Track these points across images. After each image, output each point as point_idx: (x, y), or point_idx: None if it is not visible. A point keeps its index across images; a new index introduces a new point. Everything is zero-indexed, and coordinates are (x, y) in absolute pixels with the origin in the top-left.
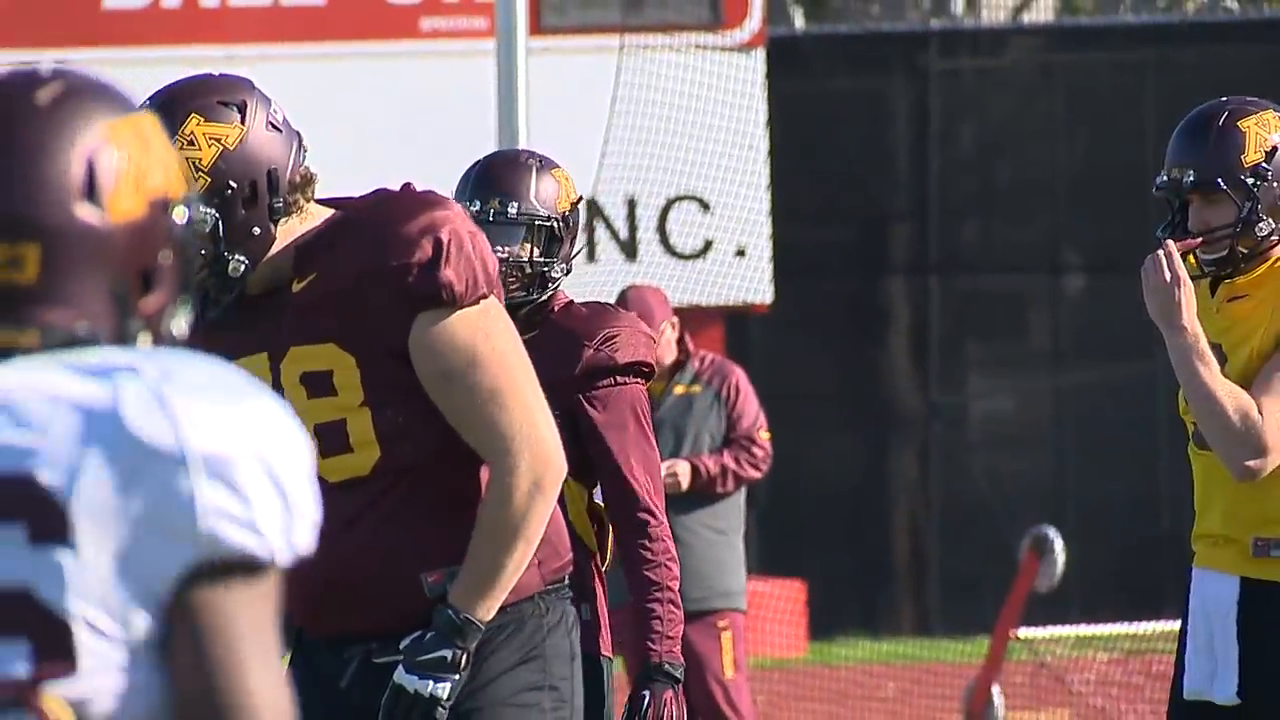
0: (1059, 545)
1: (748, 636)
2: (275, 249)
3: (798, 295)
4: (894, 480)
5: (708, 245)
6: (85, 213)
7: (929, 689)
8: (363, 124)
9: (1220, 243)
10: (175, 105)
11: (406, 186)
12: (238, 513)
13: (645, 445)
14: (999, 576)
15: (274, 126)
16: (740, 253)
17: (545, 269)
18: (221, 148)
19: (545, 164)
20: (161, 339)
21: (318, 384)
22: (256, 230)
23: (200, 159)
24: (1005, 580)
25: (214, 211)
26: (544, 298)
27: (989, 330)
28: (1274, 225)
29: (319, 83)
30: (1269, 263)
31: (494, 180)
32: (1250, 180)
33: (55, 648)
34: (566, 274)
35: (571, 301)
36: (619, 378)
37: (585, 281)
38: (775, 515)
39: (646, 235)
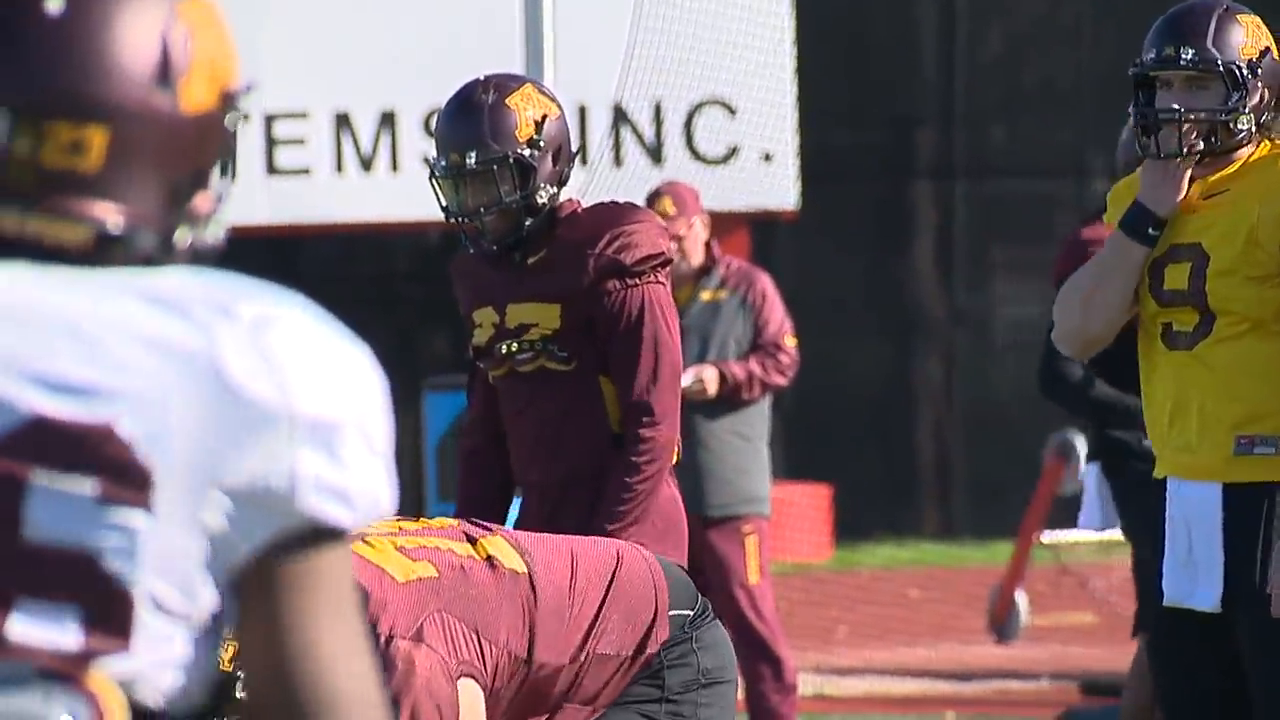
0: (1083, 450)
1: (772, 541)
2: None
3: (823, 200)
4: (919, 386)
5: (733, 150)
6: (159, 98)
7: (953, 593)
8: (387, 32)
9: (1199, 125)
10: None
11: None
12: (337, 483)
13: (658, 345)
14: (1023, 481)
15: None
16: (766, 158)
17: (526, 200)
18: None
19: (501, 92)
20: (203, 241)
21: None
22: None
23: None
24: (1029, 485)
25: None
26: (535, 222)
27: (1015, 235)
28: (1250, 123)
29: None
30: (1238, 162)
31: (452, 133)
32: (1245, 72)
33: (111, 620)
34: (561, 186)
35: (575, 210)
36: (628, 279)
37: (611, 185)
38: (800, 421)
39: (672, 140)
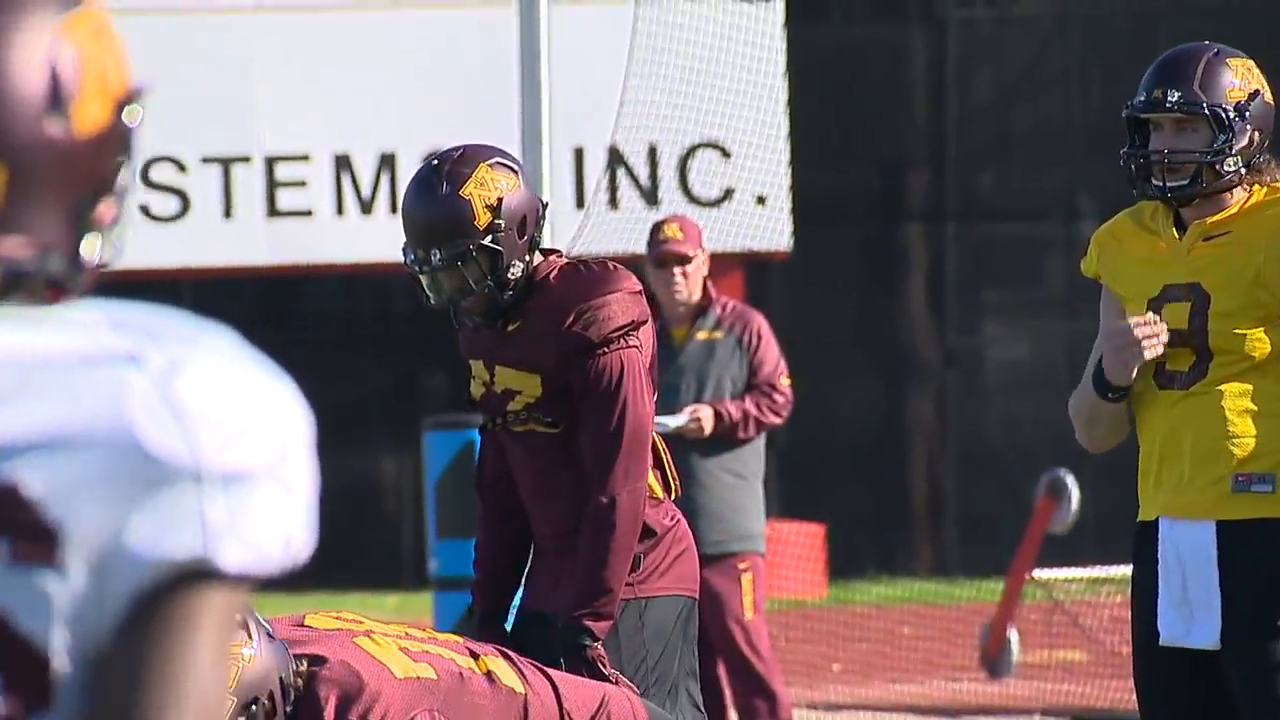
0: (1074, 488)
1: (767, 578)
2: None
3: (816, 242)
4: (911, 425)
5: (728, 193)
6: (53, 126)
7: (946, 629)
8: (387, 75)
9: (1185, 169)
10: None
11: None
12: (247, 533)
13: (624, 412)
14: (1014, 519)
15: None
16: (760, 200)
17: (498, 280)
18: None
19: (454, 183)
20: (107, 250)
21: None
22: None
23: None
24: (1020, 523)
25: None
26: (513, 295)
27: (1005, 277)
28: (1238, 165)
29: (345, 37)
30: (1236, 204)
31: (414, 231)
32: (1231, 115)
33: (30, 684)
34: (534, 250)
35: (549, 275)
36: (598, 350)
37: (608, 228)
38: (795, 459)
39: (667, 182)
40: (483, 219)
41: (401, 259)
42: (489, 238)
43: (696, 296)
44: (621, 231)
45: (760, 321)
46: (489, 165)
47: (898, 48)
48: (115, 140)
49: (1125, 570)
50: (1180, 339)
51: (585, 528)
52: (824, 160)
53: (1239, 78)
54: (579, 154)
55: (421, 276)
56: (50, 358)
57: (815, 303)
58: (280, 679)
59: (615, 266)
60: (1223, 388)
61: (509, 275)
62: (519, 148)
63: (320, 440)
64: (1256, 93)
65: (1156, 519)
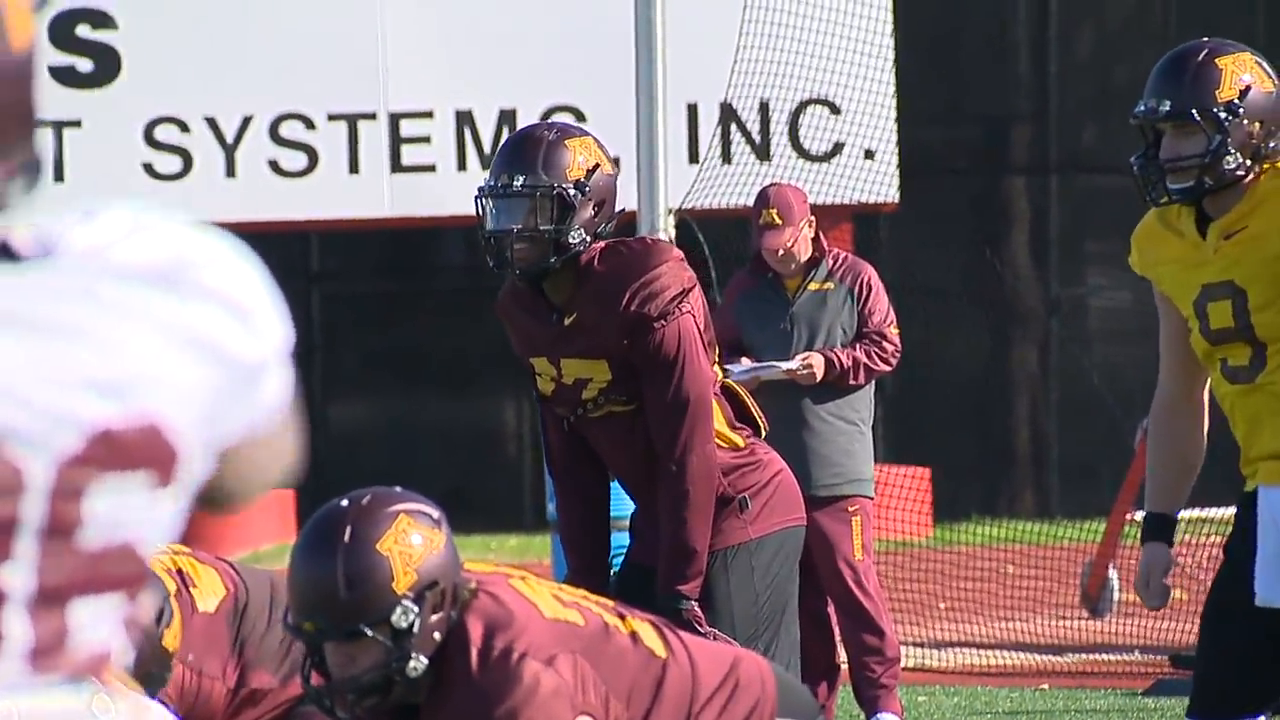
0: None
1: (876, 521)
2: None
3: (923, 195)
4: (1015, 372)
5: (837, 147)
6: None
7: (1048, 569)
8: (507, 34)
9: (1189, 171)
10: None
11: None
12: (284, 395)
13: (685, 379)
14: (1115, 462)
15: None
16: (869, 154)
17: (558, 236)
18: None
19: (563, 134)
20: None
21: None
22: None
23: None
24: (1121, 466)
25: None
26: (559, 262)
27: (1107, 228)
28: (1240, 160)
29: None
30: (1247, 194)
31: (507, 157)
32: (1223, 115)
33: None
34: (594, 238)
35: (593, 260)
36: (656, 324)
37: (720, 183)
38: (903, 405)
39: (779, 137)
40: (575, 171)
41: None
42: (571, 190)
43: (805, 257)
44: (734, 186)
45: (870, 272)
46: (597, 142)
47: (1002, 6)
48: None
49: (1223, 512)
50: (1232, 335)
51: (662, 496)
52: (931, 116)
53: (1228, 75)
54: (693, 110)
55: (490, 204)
56: (117, 291)
57: (922, 254)
58: (454, 583)
59: (654, 240)
60: None
61: (569, 237)
62: (634, 104)
63: (446, 388)
64: (1248, 87)
65: (1255, 489)
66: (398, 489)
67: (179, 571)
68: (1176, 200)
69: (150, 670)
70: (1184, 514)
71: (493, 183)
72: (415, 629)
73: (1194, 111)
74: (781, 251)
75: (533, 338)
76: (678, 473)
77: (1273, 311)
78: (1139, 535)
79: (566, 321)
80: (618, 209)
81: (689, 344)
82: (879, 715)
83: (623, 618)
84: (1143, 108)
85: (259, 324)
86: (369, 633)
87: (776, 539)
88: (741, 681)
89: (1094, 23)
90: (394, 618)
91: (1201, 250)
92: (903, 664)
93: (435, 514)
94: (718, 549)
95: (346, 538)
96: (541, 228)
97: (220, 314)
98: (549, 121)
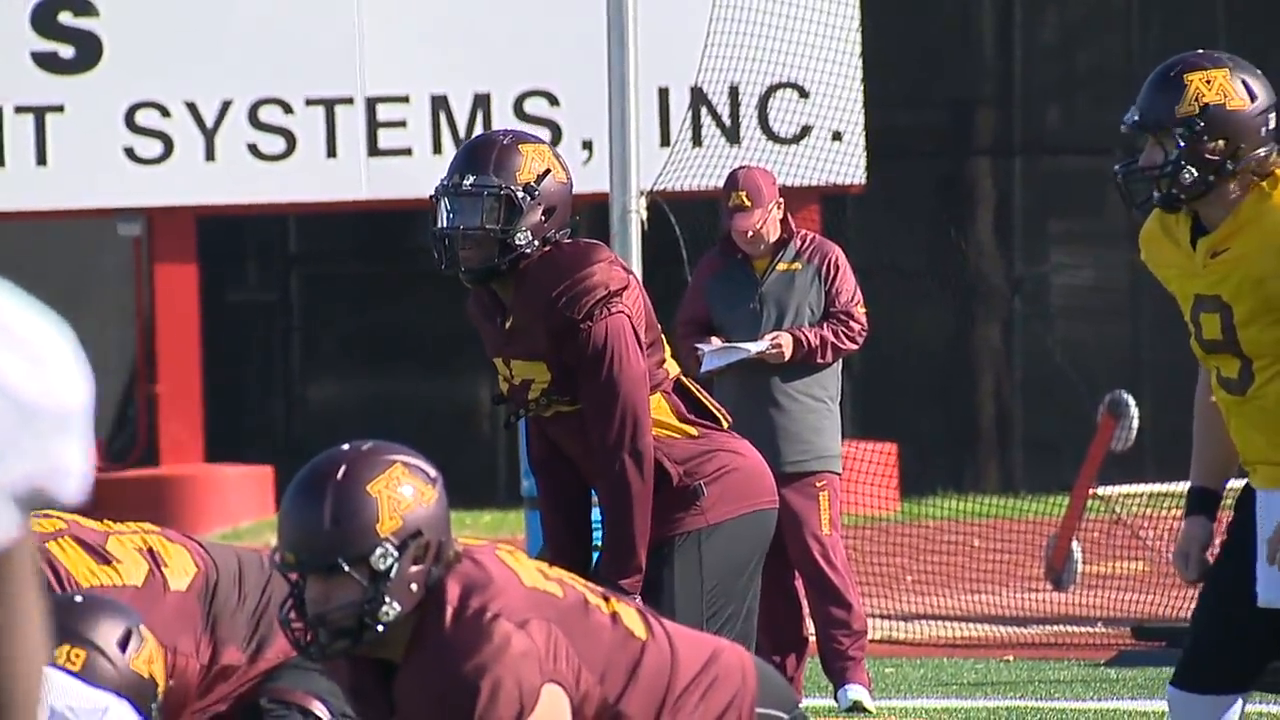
0: (1133, 408)
1: (843, 496)
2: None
3: (889, 176)
4: (980, 349)
5: (805, 130)
6: None
7: (1012, 543)
8: (481, 20)
9: (1157, 182)
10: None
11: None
12: (71, 464)
13: (618, 377)
14: (1078, 438)
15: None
16: (836, 136)
17: (505, 237)
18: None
19: (517, 139)
20: None
21: None
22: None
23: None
24: (1083, 441)
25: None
26: (505, 264)
27: (1069, 208)
28: (1197, 175)
29: None
30: (1236, 208)
31: (461, 158)
32: (1179, 130)
33: None
34: (542, 243)
35: (527, 268)
36: (583, 325)
37: (691, 165)
38: (870, 383)
39: (748, 120)
40: (525, 174)
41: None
42: (520, 192)
43: (773, 238)
44: (705, 168)
45: (837, 252)
46: (553, 151)
47: None
48: None
49: (1182, 486)
50: (1222, 347)
51: (600, 493)
52: (897, 99)
53: (1191, 92)
54: (664, 94)
55: (442, 202)
56: None
57: (889, 234)
58: (439, 540)
59: (587, 243)
60: (1272, 388)
61: (515, 238)
62: (606, 88)
63: (423, 367)
64: (1207, 105)
65: (1253, 490)
66: (401, 446)
67: (150, 550)
68: (1157, 205)
69: (147, 707)
70: (1143, 489)
71: (445, 181)
72: (392, 574)
73: (1156, 125)
74: (750, 233)
75: (489, 339)
76: (613, 470)
77: (1256, 328)
78: (1182, 508)
79: (506, 325)
80: (573, 216)
81: (617, 342)
82: (847, 686)
83: (606, 599)
84: (1125, 116)
85: (53, 374)
86: (346, 568)
87: (732, 526)
88: (721, 671)
89: (1057, 8)
90: (373, 558)
91: (1193, 262)
92: (870, 636)
93: (432, 473)
94: (669, 535)
95: (339, 475)
96: (488, 227)
97: (9, 351)
98: (507, 129)
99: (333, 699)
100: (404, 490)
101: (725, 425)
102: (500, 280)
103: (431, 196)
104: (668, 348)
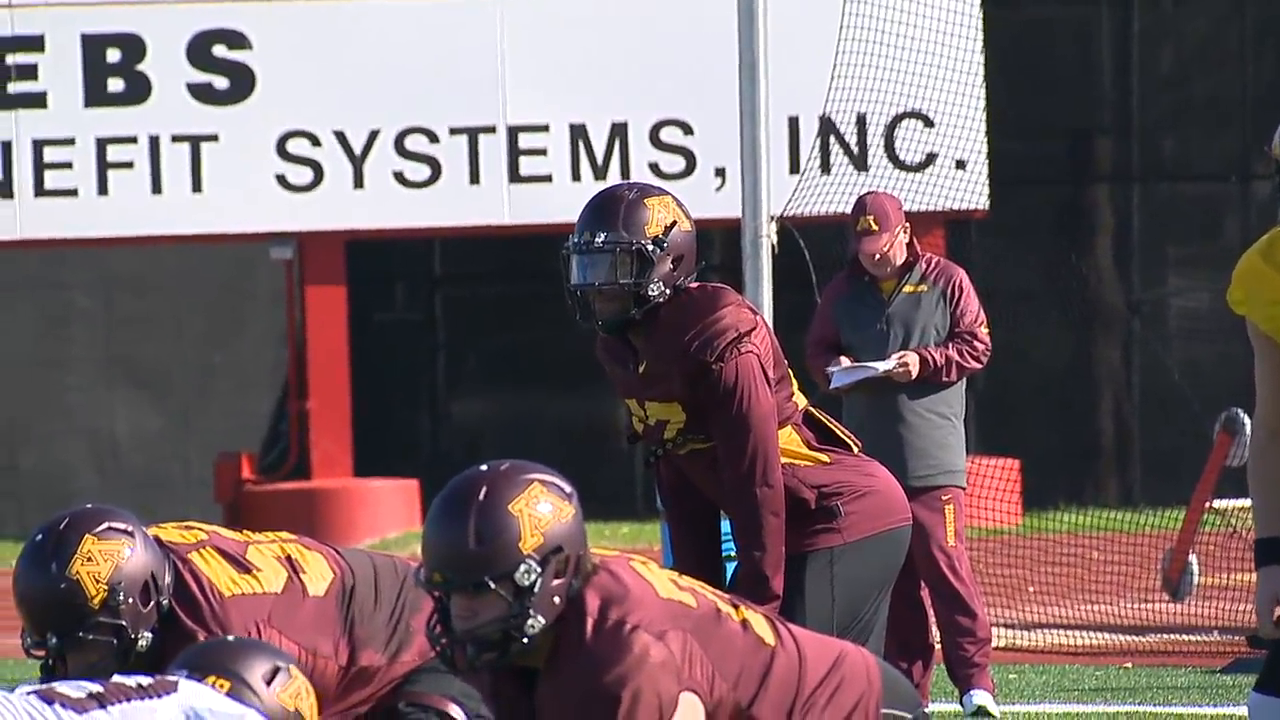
0: (1248, 425)
1: (968, 509)
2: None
3: (1011, 202)
4: (1099, 369)
5: (930, 157)
6: None
7: (1131, 555)
8: (618, 52)
9: None
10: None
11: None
12: None
13: (750, 416)
14: (1195, 454)
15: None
16: (960, 164)
17: (638, 289)
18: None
19: (643, 193)
20: None
21: None
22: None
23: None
24: (1200, 458)
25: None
26: (640, 314)
27: (1185, 233)
28: None
29: (580, 18)
30: None
31: (590, 215)
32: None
33: None
34: (673, 291)
35: (657, 312)
36: (715, 366)
37: (819, 192)
38: (993, 400)
39: (875, 148)
40: (653, 228)
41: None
42: (650, 245)
43: (900, 261)
44: (833, 194)
45: (961, 275)
46: (676, 201)
47: (1086, 24)
48: None
49: None
50: None
51: (734, 527)
52: (1019, 129)
53: None
54: (794, 123)
55: (574, 259)
56: None
57: (1011, 258)
58: (578, 554)
59: (715, 287)
60: None
61: (649, 290)
62: (738, 118)
63: (562, 383)
64: None
65: None
66: (536, 464)
67: (288, 558)
68: None
69: None
70: (1238, 502)
71: (576, 239)
72: (536, 588)
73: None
74: (878, 255)
75: (621, 382)
76: (747, 503)
77: None
78: (1255, 557)
79: (639, 369)
80: (698, 263)
81: (747, 381)
82: (972, 692)
83: (736, 607)
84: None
85: None
86: (492, 586)
87: (867, 544)
88: (848, 673)
89: (1173, 40)
90: (518, 574)
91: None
92: (994, 644)
93: (568, 489)
94: (804, 551)
95: (481, 496)
96: (621, 281)
97: None
98: (631, 181)
99: (469, 701)
100: (542, 508)
101: (856, 450)
102: (634, 327)
103: (564, 251)
104: (794, 381)
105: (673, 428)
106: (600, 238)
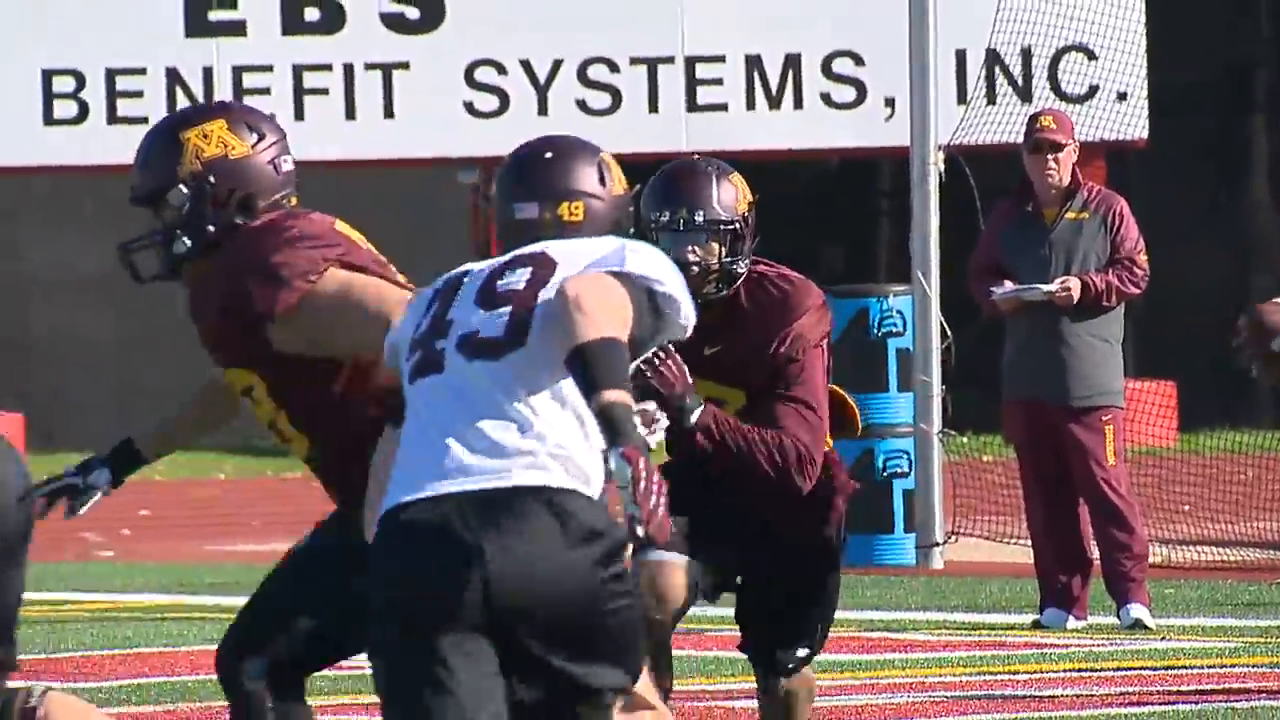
0: None
1: (1126, 429)
2: None
3: (1170, 133)
4: (1253, 294)
5: (1093, 90)
6: None
7: None
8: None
9: None
10: (725, 163)
11: None
12: None
13: (812, 401)
14: None
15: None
16: (1121, 96)
17: (732, 266)
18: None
19: (722, 170)
20: None
21: None
22: (744, 263)
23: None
24: None
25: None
26: (729, 291)
27: None
28: None
29: None
30: None
31: (679, 191)
32: None
33: None
34: (747, 268)
35: (737, 298)
36: (797, 359)
37: (985, 122)
38: (1151, 325)
39: (1039, 80)
40: (742, 205)
41: (649, 225)
42: (740, 224)
43: (1066, 181)
44: (998, 125)
45: (1122, 204)
46: (740, 178)
47: None
48: None
49: None
50: None
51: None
52: (1178, 61)
53: None
54: (961, 55)
55: (664, 237)
56: None
57: (1169, 186)
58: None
59: (801, 281)
60: None
61: (737, 267)
62: (907, 50)
63: None
64: None
65: None
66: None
67: None
68: None
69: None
70: None
71: (666, 216)
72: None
73: None
74: (1052, 158)
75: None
76: (790, 445)
77: None
78: None
79: (708, 351)
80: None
81: (817, 372)
82: (1129, 605)
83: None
84: None
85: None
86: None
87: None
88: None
89: None
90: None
91: None
92: (1150, 560)
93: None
94: (834, 538)
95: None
96: (725, 260)
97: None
98: (698, 158)
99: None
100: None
101: (858, 431)
102: (709, 306)
103: (650, 228)
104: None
105: (729, 409)
106: (699, 215)
